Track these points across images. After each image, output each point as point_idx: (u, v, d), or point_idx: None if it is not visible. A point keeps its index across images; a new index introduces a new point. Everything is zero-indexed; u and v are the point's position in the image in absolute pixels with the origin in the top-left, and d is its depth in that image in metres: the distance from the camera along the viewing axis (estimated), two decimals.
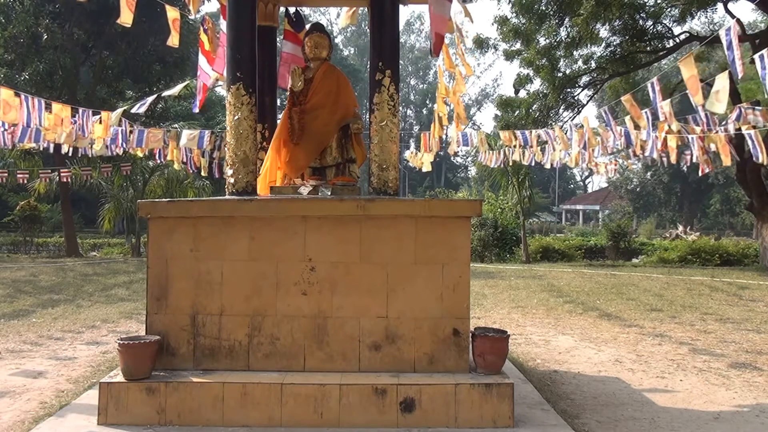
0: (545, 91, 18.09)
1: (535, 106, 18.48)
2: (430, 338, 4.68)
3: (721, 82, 6.96)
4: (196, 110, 7.80)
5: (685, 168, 25.17)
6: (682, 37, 17.70)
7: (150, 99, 10.47)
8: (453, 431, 4.32)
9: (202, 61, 6.77)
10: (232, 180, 5.12)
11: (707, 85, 8.78)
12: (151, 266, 4.74)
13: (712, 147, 11.64)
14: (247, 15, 5.21)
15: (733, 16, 15.61)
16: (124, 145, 12.87)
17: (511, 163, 17.73)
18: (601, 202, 55.39)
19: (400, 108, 6.11)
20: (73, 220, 24.32)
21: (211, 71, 6.68)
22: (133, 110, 10.90)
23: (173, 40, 6.65)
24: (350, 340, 4.68)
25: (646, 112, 10.70)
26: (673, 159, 12.86)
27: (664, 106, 9.18)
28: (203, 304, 4.70)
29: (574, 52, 17.85)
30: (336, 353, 4.68)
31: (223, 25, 6.01)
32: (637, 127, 11.30)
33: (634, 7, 16.28)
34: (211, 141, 13.79)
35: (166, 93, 9.85)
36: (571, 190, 69.94)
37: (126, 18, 6.00)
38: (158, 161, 17.90)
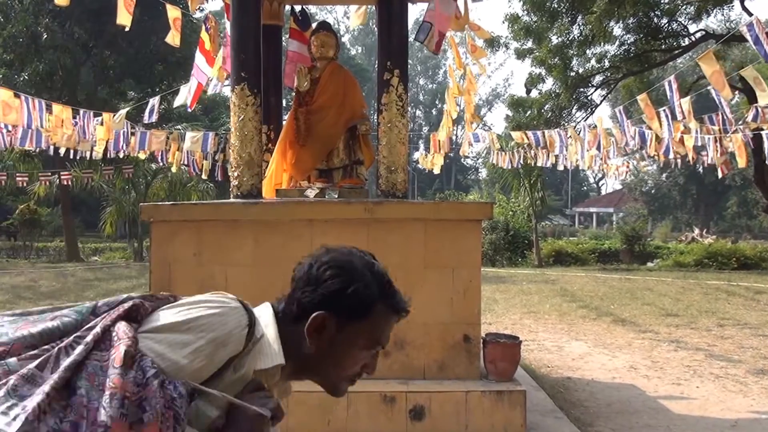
0: (557, 91, 17.87)
1: (547, 106, 18.26)
2: (440, 344, 4.57)
3: (752, 73, 6.99)
4: (189, 108, 7.73)
5: (701, 169, 24.85)
6: (698, 35, 17.44)
7: (156, 104, 10.39)
8: None
9: (199, 60, 6.69)
10: (236, 183, 5.02)
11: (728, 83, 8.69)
12: (153, 271, 4.65)
13: (730, 147, 11.46)
14: (252, 13, 5.11)
15: (750, 14, 15.35)
16: (125, 147, 12.81)
17: (526, 163, 17.55)
18: (615, 204, 54.92)
19: (409, 108, 6.00)
20: (73, 224, 24.19)
21: (209, 71, 6.61)
22: (145, 120, 10.83)
23: (174, 40, 6.57)
24: None
25: (664, 110, 10.49)
26: (690, 159, 12.66)
27: (684, 104, 9.04)
28: None
29: (587, 51, 17.61)
30: None
31: (228, 24, 5.93)
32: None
33: (649, 4, 16.03)
34: (215, 143, 13.70)
35: (176, 104, 9.78)
36: (584, 192, 69.40)
37: (123, 19, 5.88)
38: (161, 164, 17.77)
